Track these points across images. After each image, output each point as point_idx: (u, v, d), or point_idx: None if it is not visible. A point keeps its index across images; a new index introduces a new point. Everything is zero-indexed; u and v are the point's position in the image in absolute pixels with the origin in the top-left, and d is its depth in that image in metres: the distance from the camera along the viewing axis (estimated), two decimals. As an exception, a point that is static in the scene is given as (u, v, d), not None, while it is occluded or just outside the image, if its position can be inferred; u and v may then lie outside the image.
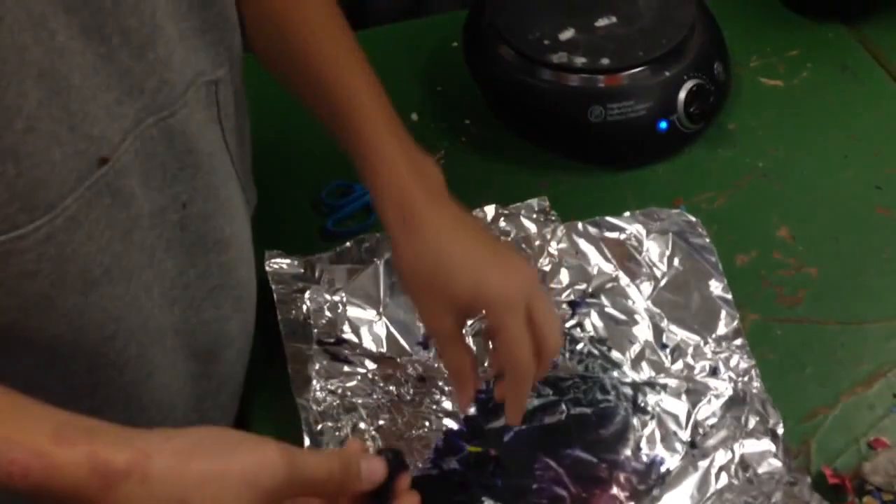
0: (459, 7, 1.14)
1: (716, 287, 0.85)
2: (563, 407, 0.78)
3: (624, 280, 0.86)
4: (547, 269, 0.86)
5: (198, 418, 0.78)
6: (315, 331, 0.82)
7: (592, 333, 0.83)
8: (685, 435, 0.76)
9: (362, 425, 0.76)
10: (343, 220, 0.93)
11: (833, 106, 1.04)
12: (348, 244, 0.87)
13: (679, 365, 0.80)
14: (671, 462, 0.75)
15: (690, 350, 0.81)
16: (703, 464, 0.74)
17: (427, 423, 0.77)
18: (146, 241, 0.65)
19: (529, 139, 1.01)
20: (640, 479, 0.74)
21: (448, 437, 0.76)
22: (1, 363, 0.61)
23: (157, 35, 0.61)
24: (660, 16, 1.00)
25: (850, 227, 0.93)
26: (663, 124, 0.97)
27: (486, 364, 0.80)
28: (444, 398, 0.78)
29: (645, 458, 0.75)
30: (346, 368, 0.80)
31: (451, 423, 0.77)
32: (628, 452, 0.75)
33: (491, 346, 0.70)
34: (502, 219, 0.90)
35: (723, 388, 0.79)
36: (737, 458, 0.74)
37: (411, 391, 0.79)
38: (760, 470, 0.73)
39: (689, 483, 0.73)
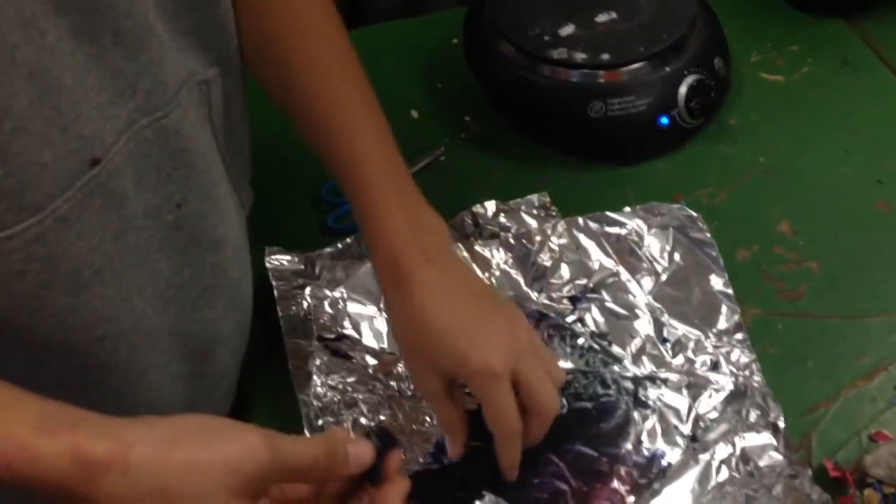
0: (459, 4, 1.14)
1: (716, 282, 0.85)
2: (564, 401, 0.77)
3: (625, 275, 0.86)
4: (548, 264, 0.86)
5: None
6: (315, 327, 0.82)
7: (593, 328, 0.83)
8: (686, 429, 0.76)
9: (363, 420, 0.76)
10: (343, 216, 0.93)
11: (834, 101, 1.04)
12: (349, 240, 0.87)
13: (680, 359, 0.80)
14: (672, 456, 0.75)
15: (691, 344, 0.81)
16: (703, 457, 0.74)
17: (428, 419, 0.77)
18: (139, 241, 0.65)
19: (530, 135, 1.01)
20: (640, 472, 0.74)
21: (448, 433, 0.76)
22: None
23: (151, 36, 0.60)
24: (660, 11, 1.00)
25: (851, 221, 0.93)
26: (664, 120, 0.97)
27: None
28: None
29: (646, 452, 0.75)
30: (346, 364, 0.80)
31: (451, 419, 0.77)
32: (629, 446, 0.75)
33: None
34: (502, 214, 0.90)
35: (724, 382, 0.79)
36: (738, 452, 0.74)
37: (412, 386, 0.79)
38: (761, 463, 0.73)
39: (690, 476, 0.73)
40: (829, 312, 0.86)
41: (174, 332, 0.71)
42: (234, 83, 0.72)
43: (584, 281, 0.86)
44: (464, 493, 0.73)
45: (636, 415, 0.77)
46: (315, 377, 0.78)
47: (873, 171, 0.97)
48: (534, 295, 0.85)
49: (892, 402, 0.79)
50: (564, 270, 0.86)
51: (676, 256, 0.87)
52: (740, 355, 0.80)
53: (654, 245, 0.87)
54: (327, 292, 0.84)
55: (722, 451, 0.74)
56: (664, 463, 0.74)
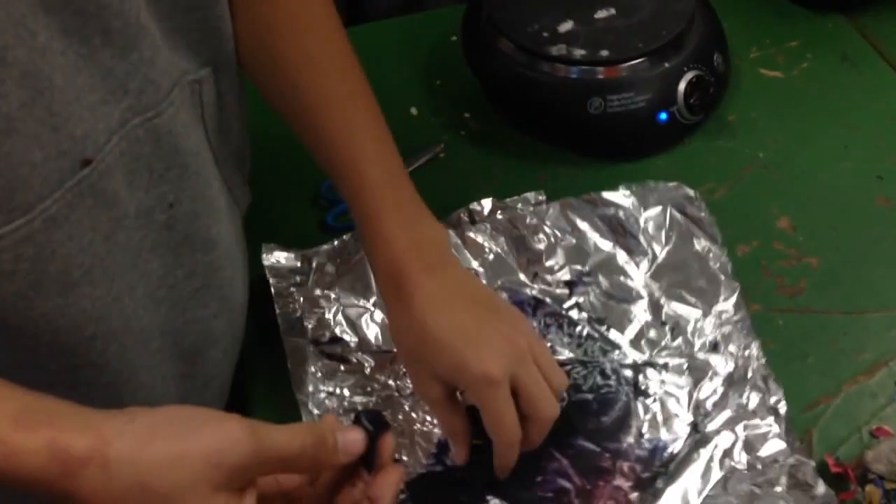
0: (458, 1, 1.14)
1: (714, 261, 0.84)
2: (564, 394, 0.77)
3: (622, 257, 0.85)
4: (542, 248, 0.86)
5: None
6: (311, 325, 0.81)
7: (591, 313, 0.82)
8: (688, 417, 0.76)
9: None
10: (342, 214, 0.92)
11: (833, 96, 1.04)
12: (345, 237, 0.87)
13: (679, 342, 0.80)
14: (674, 446, 0.74)
15: (690, 326, 0.81)
16: (706, 449, 0.73)
17: (428, 418, 0.77)
18: (130, 241, 0.64)
19: (529, 132, 1.01)
20: (643, 466, 0.74)
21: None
22: None
23: (142, 36, 0.60)
24: (659, 7, 1.00)
25: (851, 217, 0.93)
26: (663, 116, 0.97)
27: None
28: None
29: (647, 444, 0.75)
30: (344, 363, 0.80)
31: (451, 416, 0.77)
32: (631, 439, 0.75)
33: None
34: (499, 212, 0.89)
35: (723, 364, 0.78)
36: (740, 441, 0.73)
37: (409, 384, 0.78)
38: (764, 452, 0.73)
39: (693, 469, 0.73)
40: (829, 308, 0.86)
41: (166, 332, 0.71)
42: (229, 83, 0.72)
43: (579, 265, 0.85)
44: (468, 495, 0.73)
45: (637, 405, 0.77)
46: (313, 376, 0.78)
47: (873, 166, 0.97)
48: (529, 280, 0.84)
49: (892, 398, 0.79)
50: (560, 254, 0.86)
51: (674, 236, 0.86)
52: (739, 336, 0.80)
53: (650, 225, 0.87)
54: (323, 290, 0.83)
55: (724, 441, 0.74)
56: (666, 454, 0.74)
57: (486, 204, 0.90)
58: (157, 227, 0.66)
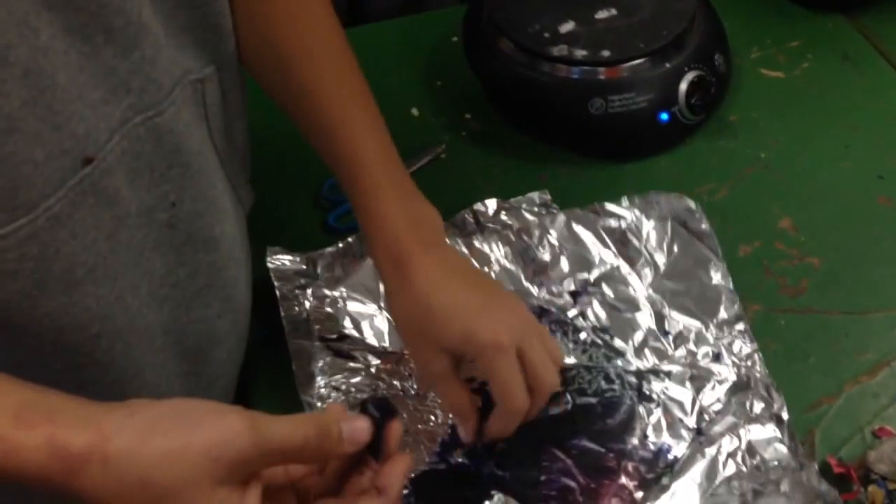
0: (459, 2, 1.14)
1: (716, 273, 0.85)
2: (568, 397, 0.78)
3: (624, 268, 0.86)
4: (547, 258, 0.86)
5: None
6: (317, 327, 0.82)
7: (595, 322, 0.83)
8: (691, 422, 0.76)
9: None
10: (344, 215, 0.92)
11: (834, 96, 1.04)
12: (350, 239, 0.87)
13: (682, 351, 0.80)
14: (678, 449, 0.75)
15: (693, 336, 0.81)
16: (710, 451, 0.74)
17: (433, 417, 0.77)
18: (133, 240, 0.64)
19: (530, 132, 1.01)
20: (648, 467, 0.74)
21: (454, 431, 0.76)
22: None
23: (143, 34, 0.60)
24: (660, 7, 1.00)
25: (852, 217, 0.93)
26: (664, 116, 0.97)
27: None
28: (448, 392, 0.78)
29: (652, 447, 0.75)
30: (349, 364, 0.80)
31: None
32: (635, 441, 0.75)
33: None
34: (504, 212, 0.90)
35: (726, 373, 0.79)
36: (743, 445, 0.74)
37: (415, 385, 0.79)
38: (767, 456, 0.73)
39: (697, 471, 0.73)
40: (831, 308, 0.86)
41: (169, 331, 0.71)
42: (231, 81, 0.72)
43: (584, 275, 0.86)
44: (472, 492, 0.73)
45: (641, 409, 0.77)
46: (318, 378, 0.78)
47: (874, 166, 0.97)
48: (534, 290, 0.85)
49: (894, 398, 0.79)
50: (564, 264, 0.86)
51: (675, 248, 0.87)
52: (742, 346, 0.80)
53: (652, 236, 0.87)
54: (328, 292, 0.84)
55: (727, 444, 0.74)
56: (670, 457, 0.74)
57: (491, 204, 0.90)
58: (159, 225, 0.67)
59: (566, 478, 0.74)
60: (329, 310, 0.83)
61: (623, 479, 0.73)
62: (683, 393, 0.78)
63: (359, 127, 0.73)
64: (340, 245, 0.87)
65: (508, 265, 0.86)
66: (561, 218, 0.88)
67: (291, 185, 0.96)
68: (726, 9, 1.05)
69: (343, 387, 0.78)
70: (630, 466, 0.74)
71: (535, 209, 0.90)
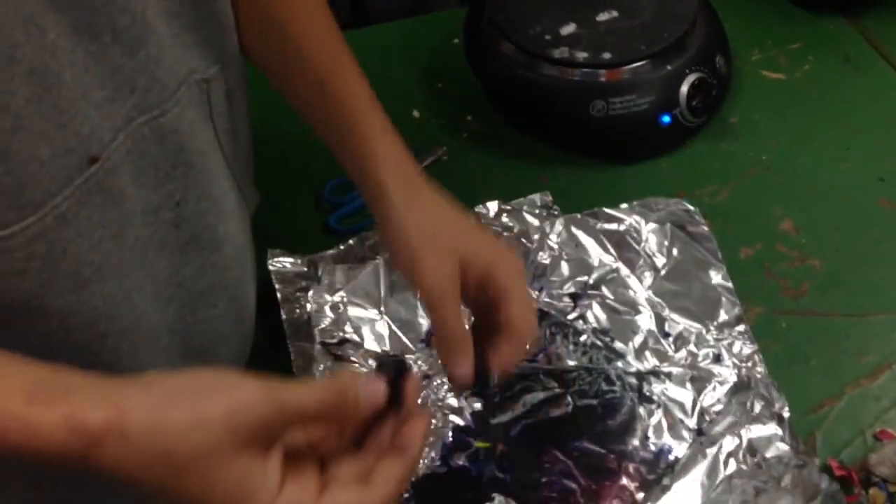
0: (461, 4, 1.14)
1: (716, 275, 0.85)
2: (569, 399, 0.78)
3: (624, 271, 0.86)
4: (547, 262, 0.86)
5: None
6: (317, 330, 0.82)
7: (595, 325, 0.83)
8: (692, 422, 0.76)
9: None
10: (346, 217, 0.92)
11: (835, 98, 1.04)
12: (351, 242, 0.87)
13: (682, 353, 0.81)
14: (679, 450, 0.75)
15: (693, 338, 0.81)
16: (711, 451, 0.74)
17: (433, 420, 0.77)
18: (139, 239, 0.64)
19: (531, 134, 1.01)
20: (649, 468, 0.74)
21: (455, 433, 0.76)
22: None
23: (148, 33, 0.60)
24: (661, 9, 1.00)
25: (853, 219, 0.93)
26: (665, 118, 0.97)
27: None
28: (448, 395, 0.78)
29: (653, 448, 0.75)
30: (349, 368, 0.80)
31: (457, 420, 0.77)
32: (636, 442, 0.75)
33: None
34: (505, 215, 0.90)
35: (727, 374, 0.79)
36: (744, 444, 0.74)
37: (416, 387, 0.79)
38: (768, 454, 0.73)
39: (699, 471, 0.73)
40: (833, 310, 0.86)
41: (174, 331, 0.71)
42: (235, 81, 0.72)
43: (584, 278, 0.86)
44: (473, 494, 0.73)
45: (642, 410, 0.77)
46: (321, 374, 0.78)
47: (875, 168, 0.97)
48: (534, 294, 0.85)
49: (896, 401, 0.79)
50: (564, 268, 0.86)
51: (675, 251, 0.87)
52: (742, 347, 0.80)
53: (652, 240, 0.87)
54: (328, 296, 0.84)
55: (729, 443, 0.74)
56: (671, 458, 0.74)
57: (492, 207, 0.90)
58: (164, 225, 0.67)
59: (567, 479, 0.74)
60: (330, 314, 0.83)
61: (624, 481, 0.74)
62: (684, 394, 0.78)
63: (357, 98, 0.72)
64: (342, 247, 0.87)
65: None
66: (560, 222, 0.89)
67: (293, 187, 0.96)
68: (727, 11, 1.05)
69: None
70: (631, 467, 0.74)
71: (537, 211, 0.90)
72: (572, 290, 0.85)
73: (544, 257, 0.87)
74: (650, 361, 0.80)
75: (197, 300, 0.72)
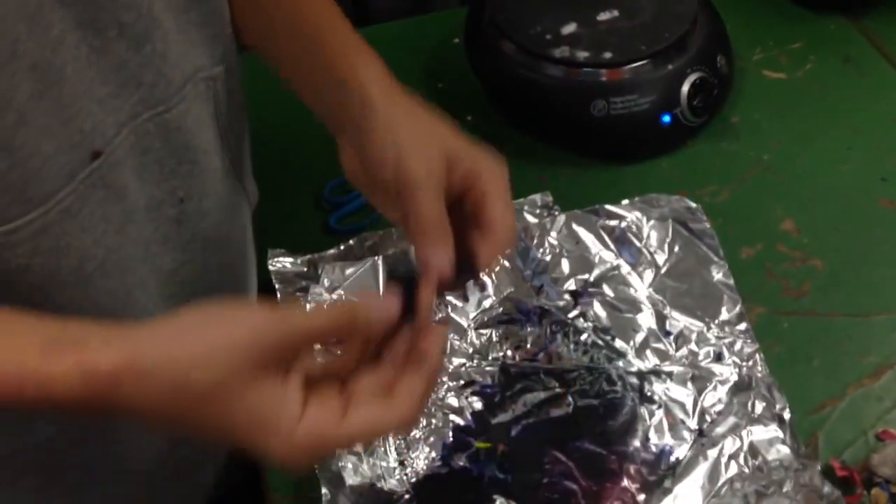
0: (461, 4, 1.14)
1: (717, 272, 0.85)
2: (570, 399, 0.77)
3: (625, 268, 0.85)
4: (548, 259, 0.86)
5: None
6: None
7: (596, 323, 0.82)
8: (693, 423, 0.76)
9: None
10: (346, 217, 0.92)
11: (836, 98, 1.04)
12: (351, 242, 0.87)
13: (683, 352, 0.80)
14: (680, 451, 0.74)
15: (694, 336, 0.81)
16: (712, 453, 0.74)
17: (433, 421, 0.77)
18: (141, 235, 0.64)
19: (532, 134, 1.01)
20: (650, 470, 0.74)
21: (456, 434, 0.76)
22: None
23: (154, 28, 0.60)
24: (662, 9, 1.00)
25: (855, 219, 0.93)
26: (666, 118, 0.96)
27: (489, 357, 0.80)
28: (449, 394, 0.78)
29: (654, 449, 0.75)
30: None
31: (457, 419, 0.77)
32: (637, 443, 0.75)
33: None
34: (506, 214, 0.90)
35: (728, 373, 0.78)
36: (745, 446, 0.74)
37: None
38: (769, 457, 0.73)
39: (700, 473, 0.73)
40: (834, 310, 0.86)
41: None
42: (236, 80, 0.72)
43: (584, 275, 0.85)
44: (474, 495, 0.73)
45: (643, 410, 0.77)
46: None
47: (876, 168, 0.97)
48: (534, 291, 0.85)
49: (898, 401, 0.79)
50: (565, 265, 0.86)
51: (676, 248, 0.87)
52: (743, 346, 0.80)
53: (653, 237, 0.87)
54: (328, 296, 0.83)
55: (730, 445, 0.74)
56: (673, 459, 0.74)
57: (492, 207, 0.89)
58: (166, 221, 0.67)
59: (568, 480, 0.73)
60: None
61: (625, 482, 0.73)
62: (685, 394, 0.78)
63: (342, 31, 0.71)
64: (342, 247, 0.86)
65: (508, 266, 0.85)
66: (561, 219, 0.88)
67: (293, 187, 0.96)
68: (728, 10, 1.05)
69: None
70: (632, 469, 0.74)
71: (537, 211, 0.90)
72: (573, 287, 0.85)
73: (545, 254, 0.86)
74: (651, 360, 0.80)
75: (199, 297, 0.71)
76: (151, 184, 0.64)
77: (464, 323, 0.82)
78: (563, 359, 0.80)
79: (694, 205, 0.89)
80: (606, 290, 0.84)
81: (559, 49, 0.96)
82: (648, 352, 0.81)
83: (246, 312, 0.52)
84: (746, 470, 0.73)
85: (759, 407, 0.76)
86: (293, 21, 0.71)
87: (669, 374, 0.79)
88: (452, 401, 0.78)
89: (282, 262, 0.85)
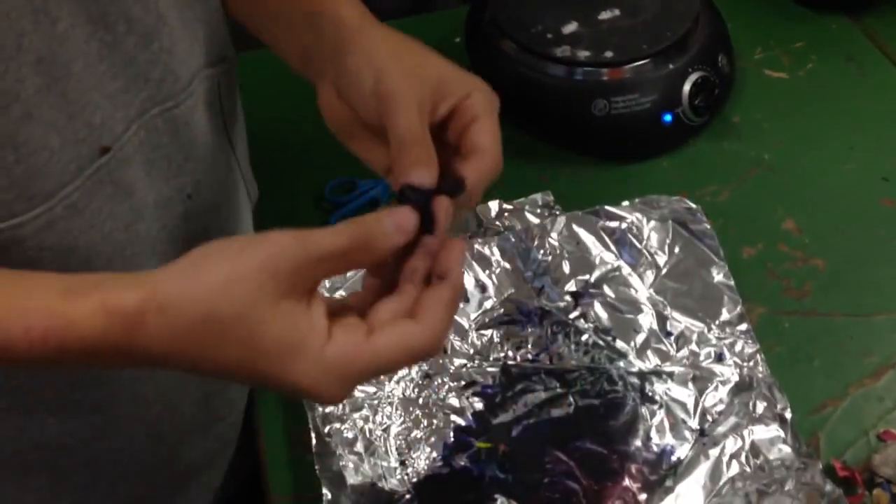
0: (464, 3, 1.14)
1: (717, 273, 0.85)
2: (571, 399, 0.77)
3: (625, 269, 0.85)
4: (548, 260, 0.86)
5: (205, 413, 0.78)
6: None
7: (597, 324, 0.82)
8: (694, 423, 0.76)
9: (370, 425, 0.76)
10: (346, 216, 0.92)
11: (838, 97, 1.04)
12: (352, 241, 0.87)
13: (684, 352, 0.80)
14: (681, 451, 0.74)
15: (695, 337, 0.81)
16: (713, 452, 0.74)
17: (435, 421, 0.77)
18: (149, 231, 0.64)
19: (533, 133, 1.01)
20: (651, 469, 0.74)
21: (457, 434, 0.76)
22: None
23: (161, 24, 0.60)
24: (663, 8, 1.00)
25: (856, 218, 0.93)
26: (668, 117, 0.96)
27: (491, 358, 0.80)
28: (450, 395, 0.78)
29: (655, 448, 0.75)
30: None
31: (458, 420, 0.77)
32: (638, 443, 0.75)
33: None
34: (506, 214, 0.90)
35: (729, 373, 0.78)
36: (747, 446, 0.74)
37: (416, 389, 0.78)
38: (771, 456, 0.73)
39: (701, 472, 0.73)
40: (836, 310, 0.85)
41: None
42: (234, 76, 0.72)
43: (585, 276, 0.85)
44: (475, 495, 0.73)
45: (644, 410, 0.77)
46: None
47: (878, 168, 0.97)
48: (535, 292, 0.85)
49: (899, 401, 0.79)
50: (565, 266, 0.86)
51: (676, 249, 0.86)
52: (744, 346, 0.80)
53: (653, 238, 0.87)
54: (328, 295, 0.83)
55: (731, 444, 0.74)
56: (674, 459, 0.74)
57: (493, 206, 0.90)
58: (174, 217, 0.67)
59: (569, 480, 0.73)
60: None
61: (626, 482, 0.73)
62: (686, 394, 0.78)
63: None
64: (342, 247, 0.86)
65: (510, 267, 0.86)
66: (561, 220, 0.88)
67: (293, 187, 0.96)
68: (730, 10, 1.05)
69: (345, 389, 0.78)
70: (633, 468, 0.74)
71: (538, 210, 0.90)
72: (573, 288, 0.85)
73: (545, 255, 0.86)
74: (652, 361, 0.80)
75: None
76: (159, 180, 0.64)
77: (465, 324, 0.82)
78: (563, 359, 0.80)
79: (694, 206, 0.89)
80: (607, 290, 0.84)
81: (560, 48, 0.96)
82: (649, 352, 0.81)
83: (264, 238, 0.51)
84: (748, 469, 0.73)
85: (761, 407, 0.76)
86: None
87: (670, 375, 0.79)
88: (453, 401, 0.78)
89: (282, 262, 0.85)
